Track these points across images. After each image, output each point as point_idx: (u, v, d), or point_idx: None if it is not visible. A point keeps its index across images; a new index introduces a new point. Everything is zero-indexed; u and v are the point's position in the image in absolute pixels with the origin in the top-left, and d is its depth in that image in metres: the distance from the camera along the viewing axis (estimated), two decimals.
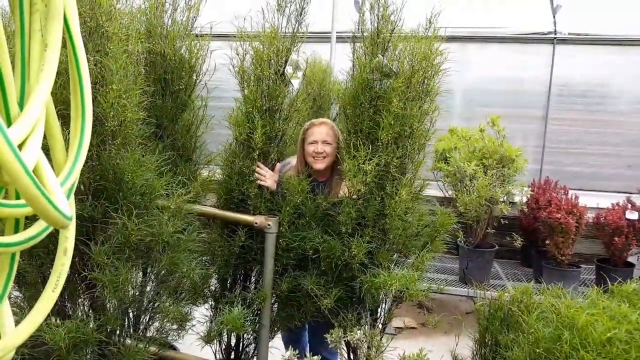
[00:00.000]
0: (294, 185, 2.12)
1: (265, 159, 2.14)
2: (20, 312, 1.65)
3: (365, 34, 2.06)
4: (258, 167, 2.14)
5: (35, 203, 0.51)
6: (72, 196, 0.68)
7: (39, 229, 0.61)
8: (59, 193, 0.57)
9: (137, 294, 1.81)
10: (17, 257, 0.62)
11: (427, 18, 2.04)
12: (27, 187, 0.50)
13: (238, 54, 2.10)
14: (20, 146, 0.57)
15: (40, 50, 0.66)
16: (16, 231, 0.62)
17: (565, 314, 1.48)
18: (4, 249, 0.56)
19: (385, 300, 2.19)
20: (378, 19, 2.02)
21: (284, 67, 2.06)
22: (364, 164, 1.95)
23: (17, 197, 0.62)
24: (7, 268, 0.61)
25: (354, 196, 2.01)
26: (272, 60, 2.04)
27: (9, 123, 0.60)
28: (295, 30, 2.08)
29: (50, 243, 1.58)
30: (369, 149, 1.98)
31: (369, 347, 2.01)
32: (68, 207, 0.58)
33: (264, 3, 2.07)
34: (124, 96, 1.71)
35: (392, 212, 2.01)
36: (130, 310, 1.81)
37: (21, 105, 0.64)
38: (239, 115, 2.12)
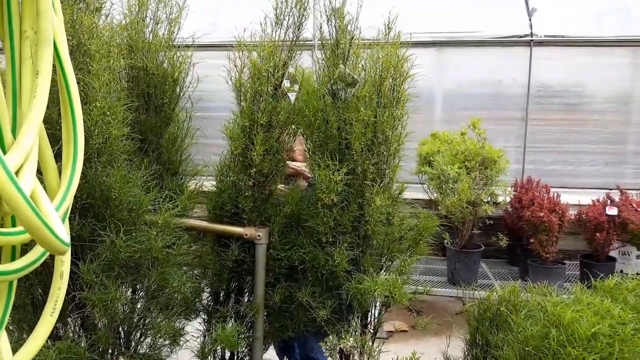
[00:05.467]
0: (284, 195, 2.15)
1: (261, 175, 2.13)
2: (9, 336, 1.63)
3: (325, 45, 2.08)
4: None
5: (36, 232, 0.52)
6: (67, 221, 0.69)
7: (36, 255, 0.61)
8: (57, 220, 0.58)
9: (127, 311, 1.80)
10: (15, 284, 0.63)
11: (385, 24, 2.06)
12: (28, 217, 0.51)
13: (236, 66, 2.09)
14: (15, 174, 0.58)
15: (32, 77, 0.67)
16: (13, 258, 0.63)
17: (552, 312, 1.52)
18: (3, 277, 0.57)
19: (375, 305, 2.21)
20: (336, 30, 2.04)
21: (282, 81, 2.07)
22: (333, 174, 1.95)
23: (13, 225, 0.63)
24: (5, 295, 0.61)
25: (328, 204, 2.02)
26: (271, 75, 2.04)
27: (4, 151, 0.61)
28: (292, 44, 2.08)
29: None
30: (328, 157, 2.00)
31: (360, 353, 2.03)
32: (65, 234, 0.59)
33: (252, 15, 2.08)
34: (108, 113, 1.70)
35: (372, 218, 2.03)
36: (121, 328, 1.80)
37: (14, 132, 0.65)
38: (235, 128, 2.12)
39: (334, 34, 2.04)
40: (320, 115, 2.05)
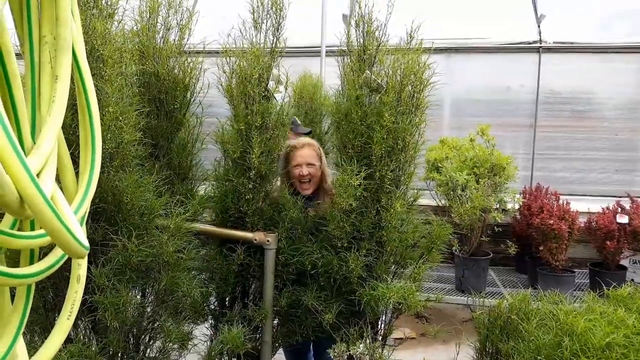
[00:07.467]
0: (288, 201, 2.16)
1: (260, 177, 2.14)
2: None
3: (351, 51, 2.09)
4: None
5: (57, 234, 0.52)
6: (85, 224, 0.69)
7: (54, 258, 0.61)
8: (76, 223, 0.58)
9: (138, 315, 1.81)
10: (33, 288, 0.63)
11: (408, 33, 2.08)
12: (50, 220, 0.51)
13: (225, 72, 2.12)
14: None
15: (51, 82, 0.67)
16: (31, 262, 0.63)
17: (564, 321, 1.50)
18: (22, 281, 0.57)
19: (385, 312, 2.20)
20: (364, 35, 2.05)
21: (267, 83, 2.09)
22: (352, 179, 1.96)
23: (32, 229, 0.63)
24: (24, 298, 0.61)
25: (346, 209, 2.02)
26: (260, 77, 2.06)
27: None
28: (273, 46, 2.11)
29: None
30: (361, 163, 2.00)
31: None
32: (84, 237, 0.59)
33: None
34: (121, 118, 1.72)
35: (388, 225, 2.03)
36: (132, 332, 1.80)
37: (33, 136, 0.66)
38: (230, 133, 2.13)
39: (361, 40, 2.05)
40: (368, 120, 2.05)
